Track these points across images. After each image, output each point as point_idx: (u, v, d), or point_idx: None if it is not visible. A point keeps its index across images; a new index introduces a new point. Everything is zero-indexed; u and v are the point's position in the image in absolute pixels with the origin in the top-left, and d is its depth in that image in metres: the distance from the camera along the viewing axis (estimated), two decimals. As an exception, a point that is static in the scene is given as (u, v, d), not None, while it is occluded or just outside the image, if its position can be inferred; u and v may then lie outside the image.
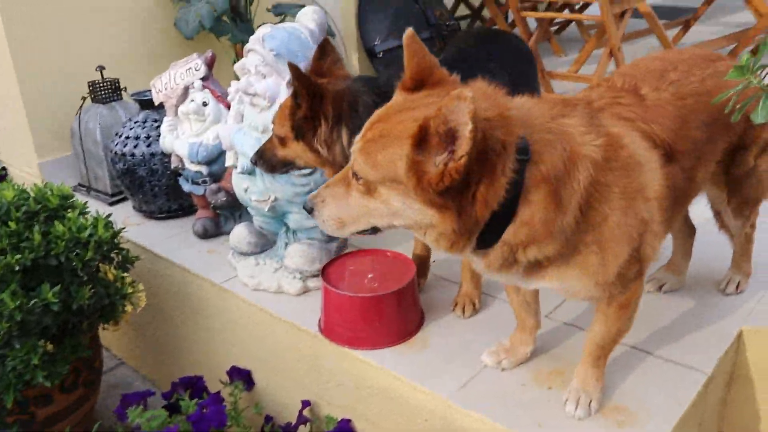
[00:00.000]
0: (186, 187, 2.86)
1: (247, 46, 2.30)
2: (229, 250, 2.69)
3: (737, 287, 2.28)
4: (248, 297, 2.45)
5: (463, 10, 6.06)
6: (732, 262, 2.31)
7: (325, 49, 2.07)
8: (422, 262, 2.40)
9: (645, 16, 4.80)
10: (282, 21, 3.76)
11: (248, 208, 2.59)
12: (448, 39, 4.54)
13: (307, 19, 2.35)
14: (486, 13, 5.91)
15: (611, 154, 1.47)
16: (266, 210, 2.45)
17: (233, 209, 2.88)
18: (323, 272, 2.22)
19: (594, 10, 6.86)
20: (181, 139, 2.78)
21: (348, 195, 1.49)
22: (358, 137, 1.48)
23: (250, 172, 2.42)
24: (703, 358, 1.98)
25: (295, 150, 2.03)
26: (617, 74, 1.82)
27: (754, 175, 1.96)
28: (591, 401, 1.78)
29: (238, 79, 2.50)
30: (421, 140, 1.31)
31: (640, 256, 1.57)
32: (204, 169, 2.78)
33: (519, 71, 2.44)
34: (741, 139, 1.85)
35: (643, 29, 5.45)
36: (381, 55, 4.56)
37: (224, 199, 2.76)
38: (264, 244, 2.61)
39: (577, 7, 5.09)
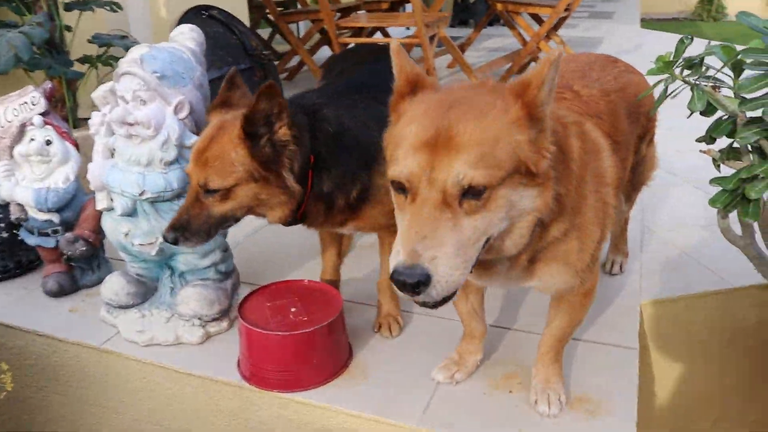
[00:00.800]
0: (31, 240, 2.41)
1: (120, 70, 2.01)
2: (96, 306, 2.33)
3: (621, 267, 2.49)
4: (142, 356, 2.12)
5: (279, 40, 5.99)
6: (611, 245, 2.52)
7: (234, 80, 1.90)
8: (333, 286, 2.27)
9: (443, 40, 5.13)
10: (105, 53, 3.38)
11: (125, 255, 2.25)
12: (267, 69, 4.43)
13: (185, 39, 2.12)
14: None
15: (583, 138, 1.51)
16: (153, 253, 2.15)
17: (91, 260, 2.49)
18: (241, 313, 2.00)
19: (398, 33, 7.20)
20: (23, 185, 2.34)
21: (454, 224, 1.21)
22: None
23: (131, 214, 2.11)
24: (624, 335, 2.13)
25: (246, 195, 1.79)
26: None
27: (644, 163, 2.17)
28: (559, 397, 1.81)
29: (97, 109, 2.18)
30: None
31: (602, 239, 1.63)
32: (55, 217, 2.37)
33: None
34: (643, 130, 2.03)
35: (438, 51, 5.81)
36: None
37: (83, 249, 2.37)
38: (145, 292, 2.29)
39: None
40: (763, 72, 1.54)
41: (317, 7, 4.77)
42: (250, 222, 2.02)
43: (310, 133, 1.82)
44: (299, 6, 6.05)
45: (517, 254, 1.45)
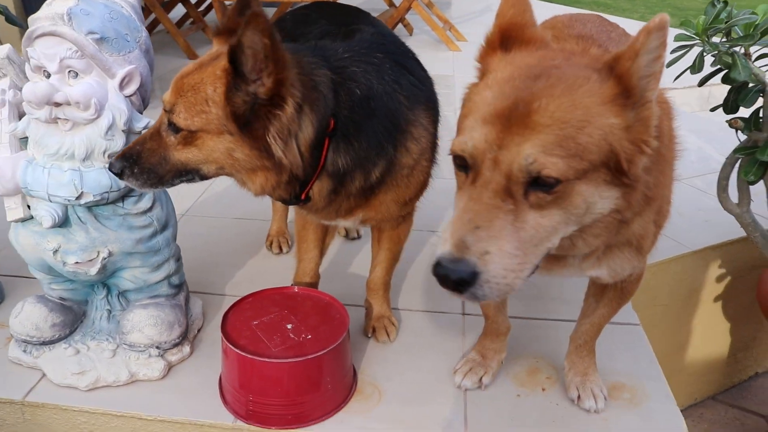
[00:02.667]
0: None
1: (36, 30, 1.47)
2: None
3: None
4: (87, 404, 1.65)
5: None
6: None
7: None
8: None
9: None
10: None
11: (44, 275, 1.73)
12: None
13: (119, -11, 1.62)
14: None
15: (664, 109, 1.34)
16: (93, 273, 1.66)
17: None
18: (226, 335, 1.61)
19: None
20: None
21: (515, 217, 1.00)
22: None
23: (62, 224, 1.60)
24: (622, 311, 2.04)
25: (214, 149, 1.39)
26: (564, 38, 1.67)
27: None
28: (602, 389, 1.69)
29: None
30: None
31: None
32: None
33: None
34: None
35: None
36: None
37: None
38: (73, 320, 1.79)
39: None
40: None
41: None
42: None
43: (333, 93, 1.46)
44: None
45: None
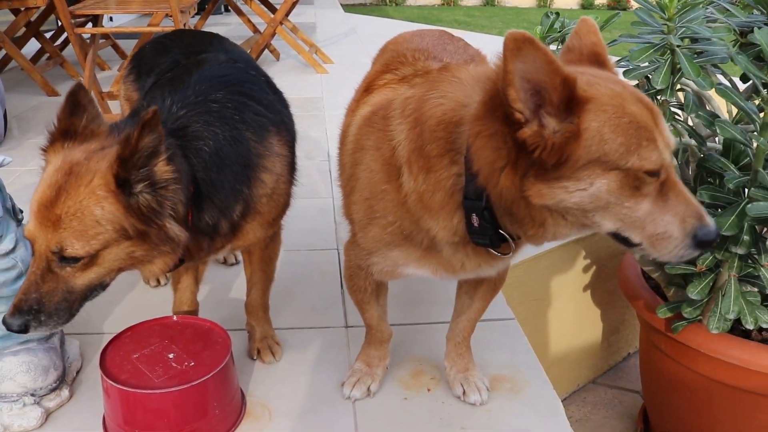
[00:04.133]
0: None
1: None
2: None
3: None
4: (-43, 464, 1.55)
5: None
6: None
7: (77, 98, 1.40)
8: (193, 319, 1.91)
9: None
10: None
11: None
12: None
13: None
14: None
15: None
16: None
17: None
18: (106, 373, 1.56)
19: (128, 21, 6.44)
20: None
21: None
22: None
23: None
24: (496, 307, 2.16)
25: (117, 258, 1.36)
26: (402, 51, 1.75)
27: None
28: (484, 381, 1.79)
29: None
30: None
31: None
32: None
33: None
34: None
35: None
36: None
37: None
38: (-68, 378, 1.67)
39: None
40: (645, 43, 1.65)
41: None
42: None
43: (185, 159, 1.45)
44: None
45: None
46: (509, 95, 1.10)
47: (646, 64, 1.71)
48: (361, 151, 1.50)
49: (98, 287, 1.42)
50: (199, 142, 1.50)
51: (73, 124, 1.40)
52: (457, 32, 2.07)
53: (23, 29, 4.88)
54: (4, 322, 1.36)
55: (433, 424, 1.69)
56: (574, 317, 2.90)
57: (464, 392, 1.76)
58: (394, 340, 1.88)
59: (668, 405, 2.44)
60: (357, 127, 1.56)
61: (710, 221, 1.19)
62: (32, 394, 1.66)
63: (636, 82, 1.76)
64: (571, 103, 1.11)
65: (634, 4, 1.80)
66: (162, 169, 1.33)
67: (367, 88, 1.68)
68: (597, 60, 1.32)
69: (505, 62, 1.08)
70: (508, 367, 1.90)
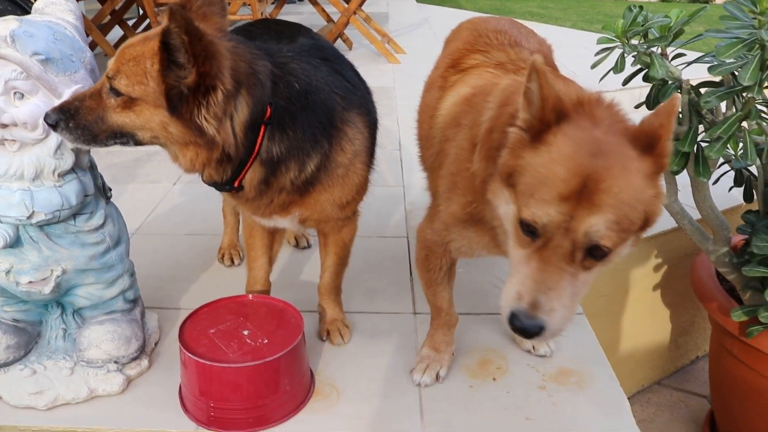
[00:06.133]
0: None
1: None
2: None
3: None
4: (48, 423, 1.65)
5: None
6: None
7: None
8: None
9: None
10: None
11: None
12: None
13: (60, 10, 1.65)
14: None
15: None
16: (47, 292, 1.67)
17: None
18: (184, 345, 1.64)
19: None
20: None
21: (574, 277, 1.19)
22: None
23: (14, 244, 1.61)
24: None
25: (150, 119, 1.45)
26: (483, 31, 1.80)
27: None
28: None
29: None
30: None
31: None
32: None
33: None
34: None
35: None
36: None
37: None
38: (27, 342, 1.80)
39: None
40: (734, 38, 1.60)
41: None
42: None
43: (271, 83, 1.54)
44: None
45: None
46: None
47: (733, 60, 1.66)
48: (456, 128, 1.56)
49: (128, 136, 1.49)
50: (292, 78, 1.59)
51: (191, 2, 1.53)
52: (529, 24, 2.08)
53: (108, 17, 5.09)
54: (46, 115, 1.47)
55: (498, 412, 1.70)
56: (643, 316, 2.85)
57: (533, 347, 1.87)
58: (462, 329, 1.90)
59: (739, 412, 2.37)
60: (453, 104, 1.62)
61: (517, 306, 1.20)
62: (115, 362, 1.76)
63: (721, 78, 1.72)
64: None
65: (722, -3, 1.76)
66: (190, 79, 1.40)
67: (454, 64, 1.75)
68: None
69: None
70: (575, 361, 1.89)
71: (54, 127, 1.47)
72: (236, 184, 1.59)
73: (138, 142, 1.51)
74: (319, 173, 1.65)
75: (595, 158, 1.16)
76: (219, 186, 1.63)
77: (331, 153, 1.65)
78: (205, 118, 1.43)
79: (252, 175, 1.59)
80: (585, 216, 1.14)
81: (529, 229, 1.20)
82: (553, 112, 1.20)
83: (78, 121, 1.46)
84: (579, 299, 1.24)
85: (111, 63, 1.47)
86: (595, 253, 1.17)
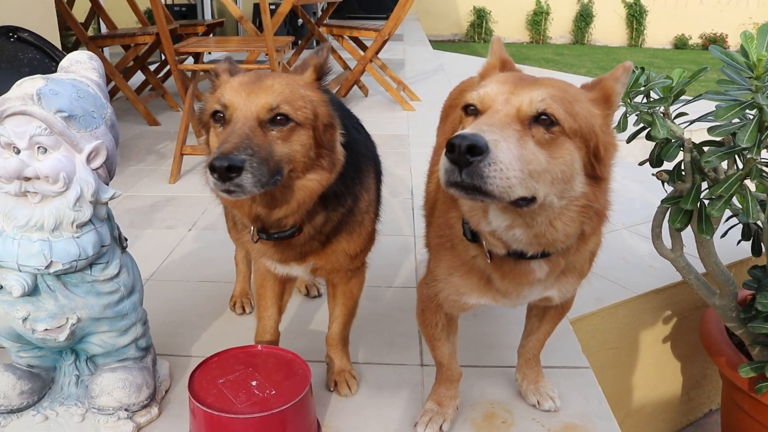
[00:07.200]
0: None
1: (7, 110, 1.57)
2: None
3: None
4: (58, 470, 1.68)
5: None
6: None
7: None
8: (275, 348, 2.00)
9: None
10: None
11: (12, 343, 1.78)
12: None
13: (84, 69, 1.73)
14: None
15: None
16: (62, 339, 1.72)
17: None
18: (194, 395, 1.67)
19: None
20: None
21: (521, 136, 1.19)
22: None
23: (32, 293, 1.67)
24: (571, 355, 2.18)
25: (305, 142, 1.52)
26: None
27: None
28: (553, 389, 1.93)
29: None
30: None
31: None
32: None
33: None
34: None
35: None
36: None
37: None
38: (41, 387, 1.84)
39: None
40: (732, 101, 1.64)
41: (130, 31, 4.28)
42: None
43: None
44: (107, 30, 5.43)
45: (558, 252, 1.42)
46: None
47: (733, 120, 1.70)
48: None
49: (283, 168, 1.48)
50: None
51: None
52: (545, 71, 2.13)
53: (131, 63, 5.26)
54: (219, 158, 1.34)
55: (503, 468, 1.71)
56: (653, 369, 2.83)
57: (538, 402, 1.89)
58: (467, 382, 1.91)
59: (751, 468, 2.34)
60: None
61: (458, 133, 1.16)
62: (126, 409, 1.79)
63: (721, 138, 1.75)
64: None
65: (731, 44, 1.80)
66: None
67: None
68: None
69: None
70: (580, 416, 1.89)
71: (240, 168, 1.35)
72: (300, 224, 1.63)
73: (277, 182, 1.47)
74: (343, 222, 1.72)
75: (534, 80, 1.32)
76: (274, 233, 1.63)
77: (359, 192, 1.72)
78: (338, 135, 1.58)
79: (307, 219, 1.64)
80: (526, 89, 1.24)
81: (470, 110, 1.30)
82: (500, 62, 1.48)
83: (260, 157, 1.40)
84: (532, 170, 1.17)
85: (247, 100, 1.46)
86: (542, 123, 1.21)
